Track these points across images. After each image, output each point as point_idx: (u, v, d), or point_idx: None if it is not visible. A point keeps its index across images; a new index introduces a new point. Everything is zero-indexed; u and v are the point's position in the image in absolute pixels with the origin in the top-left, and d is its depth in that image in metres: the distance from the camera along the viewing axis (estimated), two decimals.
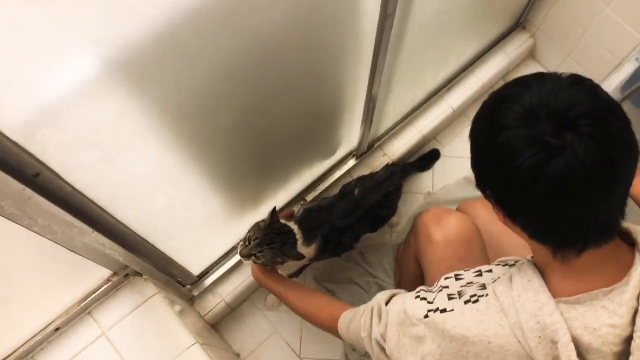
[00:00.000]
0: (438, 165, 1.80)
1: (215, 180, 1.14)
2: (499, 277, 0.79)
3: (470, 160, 0.73)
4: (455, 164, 1.79)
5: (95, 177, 0.82)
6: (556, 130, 0.60)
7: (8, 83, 0.60)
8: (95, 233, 0.88)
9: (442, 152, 1.80)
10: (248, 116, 1.04)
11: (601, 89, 0.65)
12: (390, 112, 1.59)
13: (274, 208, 1.20)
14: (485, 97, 0.71)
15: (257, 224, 1.21)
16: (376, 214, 1.42)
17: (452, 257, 1.11)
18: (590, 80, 0.66)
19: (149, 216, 1.04)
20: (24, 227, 0.75)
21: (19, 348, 1.05)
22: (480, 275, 0.83)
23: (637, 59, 1.49)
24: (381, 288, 1.58)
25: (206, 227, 1.31)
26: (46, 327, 1.08)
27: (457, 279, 0.84)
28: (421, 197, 1.73)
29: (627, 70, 1.49)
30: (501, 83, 1.87)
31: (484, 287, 0.78)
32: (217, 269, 1.52)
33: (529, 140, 0.61)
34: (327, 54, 1.08)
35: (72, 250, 0.90)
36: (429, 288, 0.86)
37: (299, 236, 1.24)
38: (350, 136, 1.55)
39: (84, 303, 1.10)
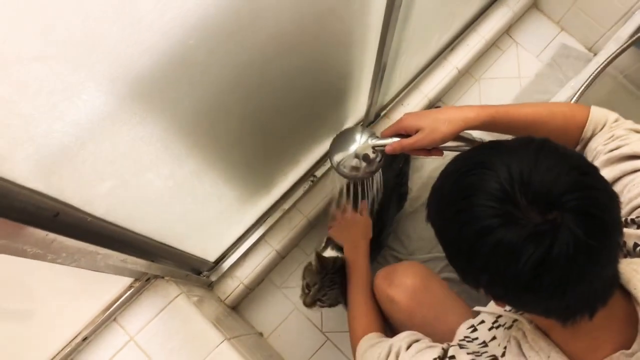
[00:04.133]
0: None
1: (229, 177, 1.11)
2: (505, 348, 0.74)
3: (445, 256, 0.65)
4: None
5: (114, 202, 0.80)
6: (543, 214, 0.54)
7: (22, 138, 0.56)
8: (117, 253, 0.86)
9: None
10: (258, 110, 1.00)
11: (567, 149, 0.60)
12: (397, 80, 1.55)
13: (317, 252, 1.22)
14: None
15: (307, 269, 1.22)
16: (399, 192, 1.42)
17: (420, 308, 1.11)
18: (552, 143, 0.60)
19: (168, 223, 1.02)
20: (47, 262, 0.73)
21: None
22: (485, 345, 0.81)
23: None
24: (396, 259, 1.59)
25: (222, 218, 1.29)
26: (74, 338, 1.07)
27: (461, 348, 0.82)
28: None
29: (638, 20, 1.44)
30: (506, 38, 1.83)
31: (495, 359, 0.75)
32: (233, 253, 1.52)
33: (522, 238, 0.53)
34: (334, 40, 1.03)
35: (95, 271, 0.88)
36: (444, 351, 0.82)
37: None
38: (357, 108, 1.51)
39: (109, 311, 1.09)
